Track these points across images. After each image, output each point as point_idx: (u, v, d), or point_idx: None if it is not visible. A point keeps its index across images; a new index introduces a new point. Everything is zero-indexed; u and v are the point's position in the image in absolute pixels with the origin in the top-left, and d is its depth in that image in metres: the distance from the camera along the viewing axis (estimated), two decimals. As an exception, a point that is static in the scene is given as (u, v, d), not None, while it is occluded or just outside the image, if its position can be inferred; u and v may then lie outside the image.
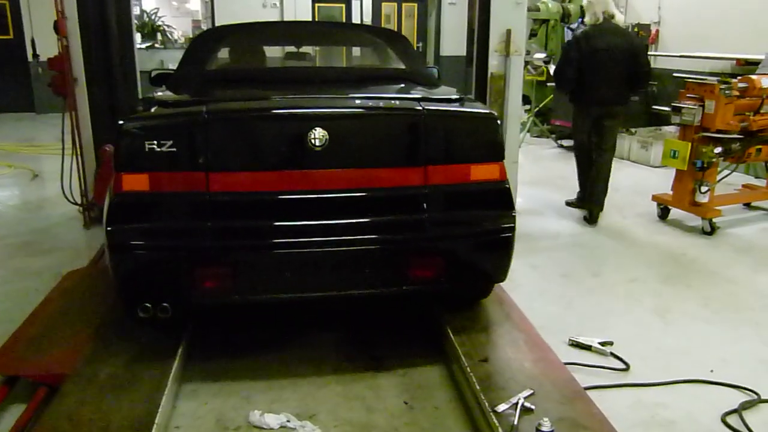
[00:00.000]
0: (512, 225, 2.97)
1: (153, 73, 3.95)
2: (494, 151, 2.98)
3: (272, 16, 13.65)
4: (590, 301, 4.03)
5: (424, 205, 2.85)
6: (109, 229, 2.69)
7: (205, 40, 4.03)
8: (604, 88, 5.64)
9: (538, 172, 7.42)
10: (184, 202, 2.73)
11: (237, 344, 3.37)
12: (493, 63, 5.55)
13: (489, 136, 3.00)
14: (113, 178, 2.73)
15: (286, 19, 13.61)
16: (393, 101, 3.21)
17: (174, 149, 2.65)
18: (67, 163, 5.13)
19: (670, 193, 5.62)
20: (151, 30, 14.04)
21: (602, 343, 3.34)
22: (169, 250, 2.75)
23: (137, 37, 14.01)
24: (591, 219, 5.61)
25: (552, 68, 6.54)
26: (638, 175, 7.52)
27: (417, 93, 3.29)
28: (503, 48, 5.51)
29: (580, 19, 8.17)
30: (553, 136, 9.30)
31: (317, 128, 2.70)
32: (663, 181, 7.06)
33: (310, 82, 3.63)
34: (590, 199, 5.71)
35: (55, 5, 4.86)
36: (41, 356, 2.91)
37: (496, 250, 3.02)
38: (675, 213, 5.64)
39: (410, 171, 2.86)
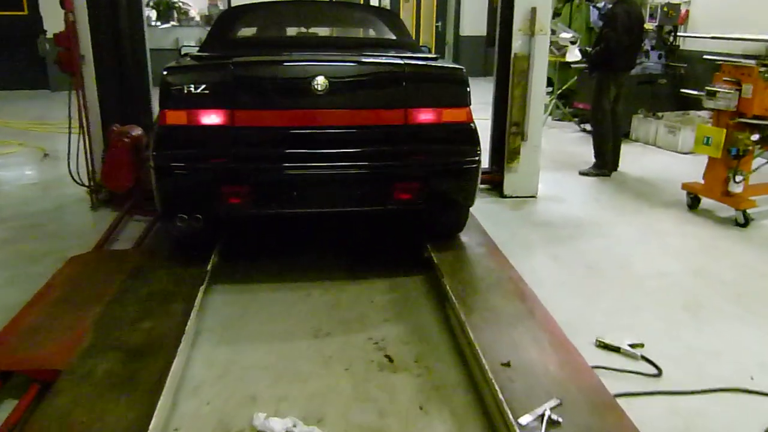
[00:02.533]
0: (476, 158, 3.61)
1: (182, 51, 4.47)
2: (462, 98, 3.61)
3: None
4: (617, 295, 3.80)
5: (405, 139, 3.50)
6: (154, 154, 3.39)
7: (227, 17, 4.92)
8: (630, 55, 6.36)
9: (560, 157, 7.15)
10: (214, 133, 3.39)
11: (241, 337, 3.22)
12: (517, 43, 5.32)
13: (457, 85, 3.63)
14: (158, 114, 3.39)
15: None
16: (380, 57, 3.85)
17: (207, 92, 3.32)
18: (75, 143, 4.98)
19: (701, 181, 5.35)
20: (166, 7, 13.81)
21: (632, 345, 3.12)
22: (201, 171, 3.42)
23: (152, 14, 13.95)
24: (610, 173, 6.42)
25: (573, 47, 6.29)
26: (665, 162, 7.23)
27: (401, 53, 3.91)
28: (527, 27, 5.27)
29: (606, -2, 7.84)
30: (576, 119, 9.00)
31: (319, 76, 3.35)
32: (692, 168, 6.78)
33: (315, 46, 4.34)
34: (615, 162, 6.47)
35: (61, -21, 4.67)
36: (36, 350, 2.76)
37: (463, 177, 3.67)
38: (706, 203, 5.38)
39: (394, 112, 3.51)
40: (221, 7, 14.21)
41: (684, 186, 5.45)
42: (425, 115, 3.53)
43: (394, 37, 4.61)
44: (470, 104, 3.64)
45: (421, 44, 5.01)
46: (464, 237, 4.14)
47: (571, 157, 7.20)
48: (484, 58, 15.54)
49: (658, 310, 3.62)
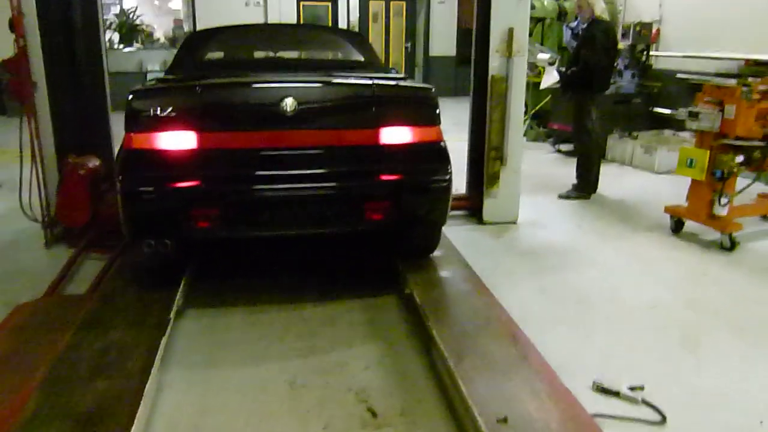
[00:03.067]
0: (448, 177, 3.58)
1: (148, 77, 4.63)
2: (431, 117, 3.61)
3: (255, 14, 13.19)
4: (610, 331, 3.59)
5: (375, 158, 3.50)
6: (120, 177, 3.34)
7: (194, 40, 5.11)
8: (607, 75, 6.32)
9: (538, 179, 6.96)
10: (181, 156, 3.32)
11: (209, 392, 2.92)
12: (494, 64, 5.12)
13: (427, 105, 3.65)
14: (124, 138, 3.34)
15: (270, 17, 13.15)
16: (349, 78, 3.88)
17: (173, 114, 3.29)
18: (30, 174, 4.65)
19: (683, 204, 5.20)
20: (129, 30, 13.47)
21: (632, 388, 2.89)
22: (168, 194, 3.35)
23: (115, 37, 13.59)
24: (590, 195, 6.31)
25: (551, 68, 6.15)
26: (643, 183, 7.11)
27: (370, 74, 3.92)
28: (505, 48, 5.08)
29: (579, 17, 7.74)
30: (551, 139, 8.87)
31: (288, 98, 3.34)
32: (670, 189, 6.69)
33: (283, 68, 4.33)
34: (595, 184, 6.37)
35: (10, 1, 4.35)
36: (-30, 421, 2.43)
37: (434, 195, 3.64)
38: (690, 226, 5.23)
39: (363, 132, 3.50)
40: (186, 29, 13.93)
41: (667, 209, 5.29)
42: (395, 135, 3.52)
43: (362, 59, 4.64)
44: (440, 123, 3.63)
45: (390, 65, 5.14)
46: (447, 271, 3.92)
47: (548, 180, 7.03)
48: (454, 78, 15.45)
49: (655, 348, 3.41)
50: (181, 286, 3.65)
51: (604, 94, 6.36)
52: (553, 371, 2.79)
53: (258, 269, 4.40)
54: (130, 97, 3.35)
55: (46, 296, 3.69)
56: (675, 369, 3.20)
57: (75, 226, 4.66)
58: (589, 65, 5.86)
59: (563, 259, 4.71)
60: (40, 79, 4.61)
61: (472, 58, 5.52)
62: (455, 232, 5.15)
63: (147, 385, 2.62)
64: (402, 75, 4.22)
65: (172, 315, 3.25)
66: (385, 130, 3.49)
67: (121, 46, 13.39)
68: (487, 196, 5.39)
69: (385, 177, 3.50)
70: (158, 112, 3.28)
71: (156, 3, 17.75)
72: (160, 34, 15.58)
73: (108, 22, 13.30)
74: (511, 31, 5.02)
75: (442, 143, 3.61)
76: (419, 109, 3.68)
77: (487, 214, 5.44)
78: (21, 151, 4.64)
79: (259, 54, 5.06)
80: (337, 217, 3.51)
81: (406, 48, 15.92)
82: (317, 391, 2.94)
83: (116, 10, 14.28)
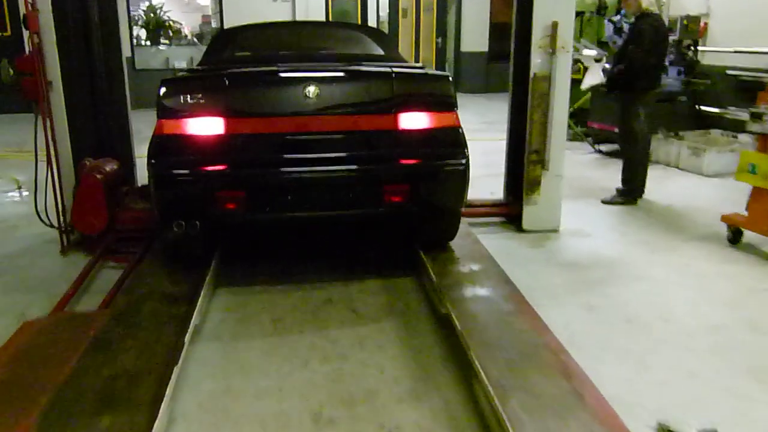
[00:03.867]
0: (464, 160, 3.69)
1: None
2: (448, 103, 3.75)
3: (283, 11, 12.95)
4: (668, 358, 3.23)
5: (394, 143, 3.63)
6: (152, 161, 3.50)
7: (222, 38, 5.34)
8: (656, 74, 5.89)
9: (578, 183, 6.59)
10: (209, 141, 3.49)
11: (224, 429, 2.64)
12: (536, 62, 4.77)
13: (444, 91, 3.80)
14: (156, 124, 3.50)
15: (297, 13, 12.91)
16: (370, 67, 4.02)
17: (202, 101, 3.46)
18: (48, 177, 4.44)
19: (742, 212, 4.79)
20: (156, 26, 13.33)
21: None
22: (197, 177, 3.52)
23: (142, 33, 13.47)
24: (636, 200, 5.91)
25: (597, 66, 5.72)
26: (691, 186, 6.68)
27: (388, 65, 3.98)
28: (548, 44, 4.72)
29: (622, 11, 7.33)
30: (590, 139, 8.45)
31: (311, 85, 3.52)
32: (721, 193, 6.29)
33: (307, 60, 4.34)
34: (641, 188, 5.94)
35: (24, -4, 4.14)
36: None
37: (451, 180, 3.75)
38: (749, 236, 4.82)
39: (383, 117, 3.63)
40: (214, 25, 13.76)
41: (724, 218, 4.89)
42: (413, 120, 3.64)
43: (382, 53, 4.77)
44: (456, 109, 3.76)
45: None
46: (486, 288, 3.59)
47: (589, 183, 6.65)
48: (486, 74, 15.07)
49: (720, 378, 3.05)
50: (199, 302, 3.39)
51: (653, 94, 5.94)
52: (613, 411, 2.46)
53: (282, 280, 4.13)
54: (161, 86, 3.52)
55: (55, 312, 3.45)
56: (746, 404, 2.83)
57: (91, 233, 4.42)
58: (637, 62, 5.46)
59: (610, 272, 4.35)
60: (56, 79, 4.39)
61: (511, 54, 5.17)
62: (492, 241, 4.82)
63: (156, 421, 2.35)
64: (419, 65, 4.51)
65: (186, 339, 2.97)
66: (404, 115, 3.62)
67: (148, 42, 13.25)
68: (527, 203, 5.04)
69: (403, 160, 3.64)
70: (188, 100, 3.47)
71: (185, 0, 17.64)
72: (188, 31, 15.44)
73: (136, 19, 13.17)
74: (555, 25, 4.66)
75: (459, 129, 3.73)
76: (436, 96, 3.82)
77: (526, 222, 5.09)
78: (36, 153, 4.43)
79: (283, 49, 4.89)
80: (357, 199, 3.65)
81: (436, 44, 15.54)
82: (345, 427, 2.65)
83: (144, 6, 14.16)
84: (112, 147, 4.94)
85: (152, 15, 13.44)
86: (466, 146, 3.72)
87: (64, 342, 2.98)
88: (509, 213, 5.26)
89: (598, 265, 4.48)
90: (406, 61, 4.70)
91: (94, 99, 4.83)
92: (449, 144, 3.71)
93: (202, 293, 3.52)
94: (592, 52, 5.91)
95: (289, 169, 3.55)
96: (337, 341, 3.36)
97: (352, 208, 3.70)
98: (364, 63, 4.21)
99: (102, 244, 4.44)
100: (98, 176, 4.33)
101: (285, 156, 3.57)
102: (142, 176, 5.32)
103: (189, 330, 3.10)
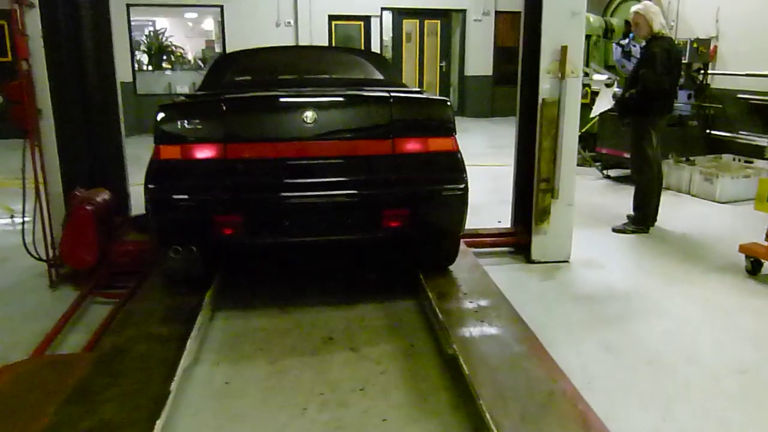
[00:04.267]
0: (464, 185, 3.68)
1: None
2: (447, 128, 3.71)
3: (286, 35, 12.90)
4: (696, 405, 2.99)
5: (392, 167, 3.60)
6: (149, 186, 3.44)
7: (222, 63, 5.14)
8: (669, 98, 5.70)
9: (587, 210, 6.37)
10: (207, 166, 3.48)
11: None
12: (545, 86, 4.59)
13: (442, 116, 3.77)
14: (153, 150, 3.47)
15: (301, 37, 12.85)
16: (367, 91, 3.98)
17: (199, 127, 3.49)
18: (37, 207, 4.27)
19: (762, 242, 4.58)
20: (158, 51, 13.26)
21: (738, 492, 2.31)
22: (195, 202, 3.49)
23: (143, 58, 13.40)
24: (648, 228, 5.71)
25: (607, 92, 5.52)
26: (704, 213, 6.47)
27: (386, 90, 3.92)
28: (557, 69, 4.54)
29: (631, 35, 7.19)
30: (598, 164, 8.26)
31: (308, 110, 3.51)
32: (736, 221, 6.09)
33: (305, 85, 4.27)
34: (654, 215, 5.76)
35: (12, 21, 3.98)
36: None
37: (450, 204, 3.73)
38: (769, 267, 4.60)
39: (381, 142, 3.60)
40: (217, 50, 13.70)
41: (742, 248, 4.67)
42: (412, 145, 3.63)
43: (381, 77, 4.77)
44: (455, 134, 3.72)
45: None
46: (496, 327, 3.36)
47: (599, 210, 6.44)
48: (491, 98, 14.95)
49: (755, 427, 2.81)
50: (189, 344, 3.18)
51: (665, 119, 5.76)
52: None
53: (279, 316, 3.92)
54: (159, 111, 3.49)
55: (37, 354, 3.24)
56: (784, 460, 2.60)
57: (81, 268, 4.23)
58: (651, 86, 5.27)
59: (627, 307, 4.12)
60: (46, 106, 4.22)
61: (518, 78, 5.01)
62: (500, 273, 4.62)
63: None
64: (417, 89, 4.43)
65: (173, 387, 2.75)
66: (402, 140, 3.61)
67: (150, 67, 13.18)
68: (536, 233, 4.83)
69: (402, 185, 3.60)
70: (185, 125, 3.48)
71: (189, 24, 17.61)
72: (191, 56, 15.40)
73: (138, 43, 13.11)
74: (564, 49, 4.49)
75: (457, 153, 3.71)
76: (434, 120, 3.79)
77: (535, 253, 4.88)
78: (24, 184, 4.25)
79: (282, 74, 4.88)
80: (356, 224, 3.63)
81: (440, 67, 15.45)
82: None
83: (147, 31, 14.13)
84: (105, 176, 4.77)
85: (155, 40, 13.37)
86: (464, 171, 3.69)
87: (42, 389, 2.76)
88: (517, 243, 5.05)
89: (614, 299, 4.25)
90: (405, 86, 4.69)
91: (87, 127, 4.67)
92: (448, 168, 3.69)
93: (193, 334, 3.31)
94: (603, 77, 5.73)
95: (287, 194, 3.56)
96: (337, 386, 3.13)
97: (350, 233, 3.68)
98: (362, 88, 4.17)
99: (92, 279, 4.24)
100: (89, 208, 4.14)
101: (282, 181, 3.56)
102: (137, 206, 5.15)
103: (176, 376, 2.88)
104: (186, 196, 3.49)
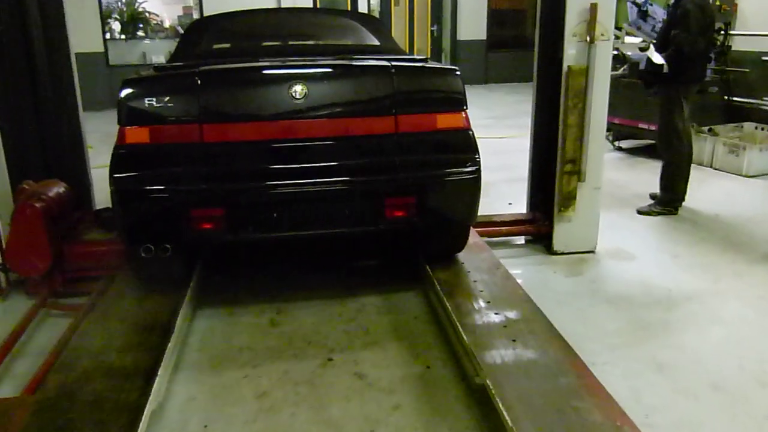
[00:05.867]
0: (477, 168, 3.23)
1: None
2: (457, 102, 3.26)
3: (269, 1, 12.05)
4: (780, 445, 2.45)
5: (395, 149, 3.16)
6: (114, 176, 2.99)
7: (197, 28, 4.66)
8: (704, 62, 5.19)
9: (606, 188, 5.69)
10: (180, 151, 3.04)
11: None
12: (571, 52, 3.96)
13: (451, 88, 3.29)
14: (117, 132, 3.01)
15: (283, 3, 12.03)
16: (364, 61, 3.53)
17: (171, 105, 3.02)
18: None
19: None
20: (131, 18, 12.39)
21: None
22: (167, 193, 3.03)
23: (116, 26, 12.52)
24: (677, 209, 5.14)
25: (649, 54, 4.81)
26: (734, 190, 5.89)
27: (386, 58, 3.48)
28: (585, 31, 3.90)
29: (647, -8, 6.52)
30: (609, 135, 7.62)
31: (297, 83, 3.05)
32: (770, 197, 5.52)
33: (292, 54, 3.87)
34: (683, 196, 5.16)
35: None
36: None
37: (461, 190, 3.30)
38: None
39: (382, 120, 3.16)
40: (195, 17, 12.84)
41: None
42: (418, 122, 3.20)
43: (377, 43, 4.25)
44: (466, 108, 3.28)
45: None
46: (531, 350, 2.76)
47: (618, 188, 5.85)
48: (485, 64, 14.25)
49: None
50: (158, 379, 2.58)
51: (697, 87, 5.15)
52: None
53: (269, 332, 3.33)
54: (123, 87, 3.02)
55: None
56: None
57: (32, 275, 3.60)
58: (683, 50, 4.64)
59: (672, 312, 3.55)
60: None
61: (536, 42, 4.35)
62: (520, 267, 4.09)
63: None
64: (421, 57, 3.77)
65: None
66: (407, 117, 3.17)
67: (123, 36, 12.33)
68: (560, 221, 4.24)
69: (407, 170, 3.16)
70: (154, 103, 3.00)
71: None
72: (169, 24, 14.53)
73: (108, 10, 12.24)
74: (594, 7, 3.85)
75: (469, 131, 3.28)
76: (443, 93, 3.35)
77: (558, 243, 4.30)
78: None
79: (266, 40, 4.36)
80: (354, 215, 3.23)
81: (432, 32, 14.67)
82: None
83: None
84: (61, 165, 4.10)
85: (127, 7, 12.49)
86: (477, 151, 3.26)
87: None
88: (538, 231, 4.45)
89: (655, 300, 3.68)
90: (405, 53, 4.25)
91: (37, 108, 3.97)
92: (459, 149, 3.26)
93: (163, 363, 2.71)
94: (635, 40, 5.08)
95: (274, 183, 3.10)
96: (340, 427, 2.55)
97: (347, 225, 3.26)
98: (358, 56, 3.67)
99: (46, 287, 3.61)
100: (38, 205, 3.48)
101: (269, 167, 3.11)
102: (101, 198, 4.51)
103: (142, 425, 2.29)
104: (156, 187, 3.02)
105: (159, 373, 2.61)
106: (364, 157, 3.18)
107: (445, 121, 3.24)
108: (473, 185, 3.27)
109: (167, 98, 3.02)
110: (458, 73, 3.34)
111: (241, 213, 3.14)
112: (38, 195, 3.58)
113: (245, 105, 3.19)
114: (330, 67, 3.34)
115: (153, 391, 2.51)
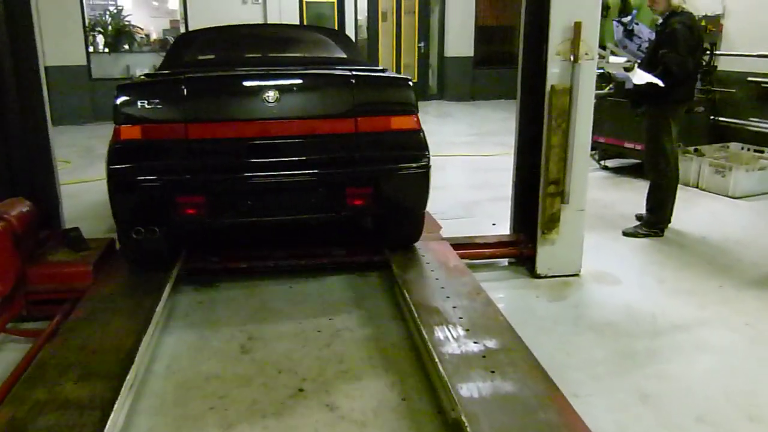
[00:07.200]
0: (426, 163, 3.72)
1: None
2: (409, 106, 3.74)
3: (254, 13, 12.01)
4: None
5: (355, 146, 3.63)
6: (110, 168, 3.46)
7: (182, 42, 5.33)
8: (692, 82, 5.21)
9: (591, 208, 5.58)
10: (168, 146, 3.52)
11: None
12: (554, 71, 3.87)
13: (404, 94, 3.78)
14: (113, 131, 3.48)
15: (269, 15, 12.00)
16: (329, 70, 4.03)
17: (160, 107, 3.50)
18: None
19: (804, 252, 3.94)
20: (115, 32, 12.25)
21: None
22: (156, 183, 3.49)
23: (99, 39, 12.39)
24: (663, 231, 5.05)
25: (630, 76, 4.74)
26: (720, 212, 5.81)
27: (349, 68, 3.96)
28: (568, 50, 3.82)
29: (634, 11, 6.47)
30: (594, 154, 7.56)
31: (270, 89, 3.53)
32: (757, 221, 5.50)
33: (267, 65, 4.33)
34: (669, 217, 5.07)
35: None
36: None
37: (412, 182, 3.77)
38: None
39: (344, 121, 3.62)
40: (182, 31, 12.74)
41: (780, 259, 4.02)
42: (374, 123, 3.65)
43: (344, 55, 4.79)
44: (417, 112, 3.75)
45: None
46: (511, 382, 2.63)
47: (603, 208, 5.76)
48: (472, 80, 14.21)
49: None
50: (114, 411, 2.43)
51: (686, 107, 5.08)
52: None
53: (239, 359, 3.18)
54: (118, 91, 3.47)
55: None
56: None
57: (-9, 298, 3.43)
58: (672, 70, 4.57)
59: (657, 339, 3.43)
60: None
61: (519, 61, 4.28)
62: (502, 291, 3.98)
63: None
64: (380, 67, 4.40)
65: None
66: (364, 118, 3.61)
67: (107, 50, 12.19)
68: (543, 243, 4.13)
69: (365, 164, 3.62)
70: (145, 105, 3.43)
71: (154, 3, 16.53)
72: (154, 36, 14.41)
73: (92, 23, 12.10)
74: (578, 25, 3.77)
75: (420, 131, 3.72)
76: (397, 98, 3.82)
77: (541, 266, 4.19)
78: None
79: (246, 52, 4.91)
80: (319, 203, 3.67)
81: (419, 48, 14.63)
82: None
83: (109, 7, 13.10)
84: (28, 182, 3.95)
85: (111, 20, 12.36)
86: (427, 148, 3.72)
87: None
88: (520, 254, 4.34)
89: (640, 328, 3.56)
90: (368, 64, 4.83)
91: (3, 121, 3.83)
92: (411, 147, 3.72)
93: (123, 393, 2.57)
94: (620, 59, 5.02)
95: (249, 174, 3.56)
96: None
97: (314, 212, 3.72)
98: (325, 67, 4.19)
99: (7, 311, 3.45)
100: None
101: (245, 161, 3.57)
102: (70, 216, 4.36)
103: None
104: (147, 177, 3.47)
105: (117, 404, 2.47)
106: (327, 153, 3.63)
107: (398, 122, 3.70)
108: (423, 178, 3.73)
109: (157, 101, 3.46)
110: (411, 82, 3.83)
111: (220, 200, 3.58)
112: (0, 214, 3.43)
113: (225, 107, 3.64)
114: (299, 77, 3.80)
115: (109, 424, 2.36)
